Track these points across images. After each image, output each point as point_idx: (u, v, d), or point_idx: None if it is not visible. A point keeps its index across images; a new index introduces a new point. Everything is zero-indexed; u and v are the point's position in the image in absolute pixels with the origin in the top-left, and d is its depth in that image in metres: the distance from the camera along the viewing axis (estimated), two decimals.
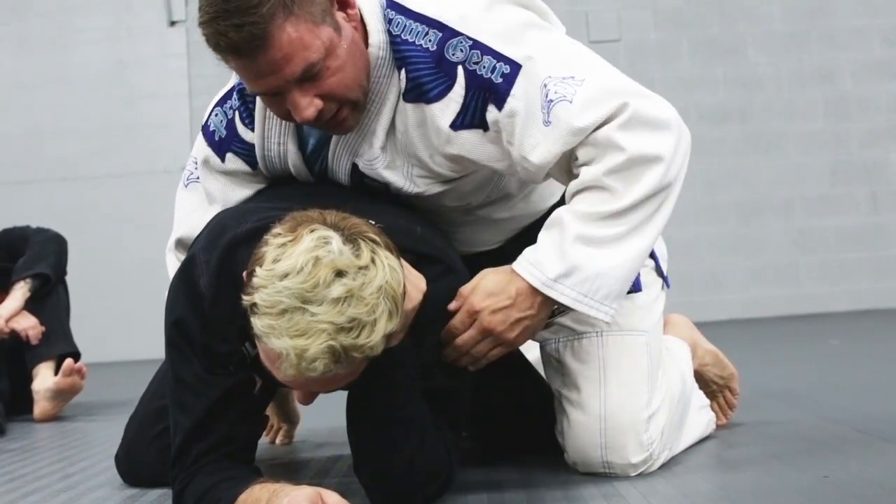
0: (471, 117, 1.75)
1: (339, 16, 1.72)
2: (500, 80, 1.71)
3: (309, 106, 1.69)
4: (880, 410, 2.39)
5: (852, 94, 6.02)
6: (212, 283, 1.63)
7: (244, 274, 1.49)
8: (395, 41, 1.76)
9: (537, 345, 2.00)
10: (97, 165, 5.95)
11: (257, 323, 1.43)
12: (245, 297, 1.45)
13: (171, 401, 1.71)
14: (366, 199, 1.81)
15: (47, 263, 3.57)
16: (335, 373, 1.44)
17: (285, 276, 1.41)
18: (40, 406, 3.39)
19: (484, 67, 1.72)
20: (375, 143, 1.81)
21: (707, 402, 2.21)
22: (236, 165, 1.93)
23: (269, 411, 2.45)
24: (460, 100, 1.74)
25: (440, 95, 1.75)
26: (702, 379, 2.24)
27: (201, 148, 1.97)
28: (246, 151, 1.91)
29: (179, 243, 2.05)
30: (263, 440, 2.48)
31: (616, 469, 1.84)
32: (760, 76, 6.02)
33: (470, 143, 1.77)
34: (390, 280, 1.45)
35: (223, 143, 1.92)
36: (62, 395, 3.40)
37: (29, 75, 6.00)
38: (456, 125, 1.76)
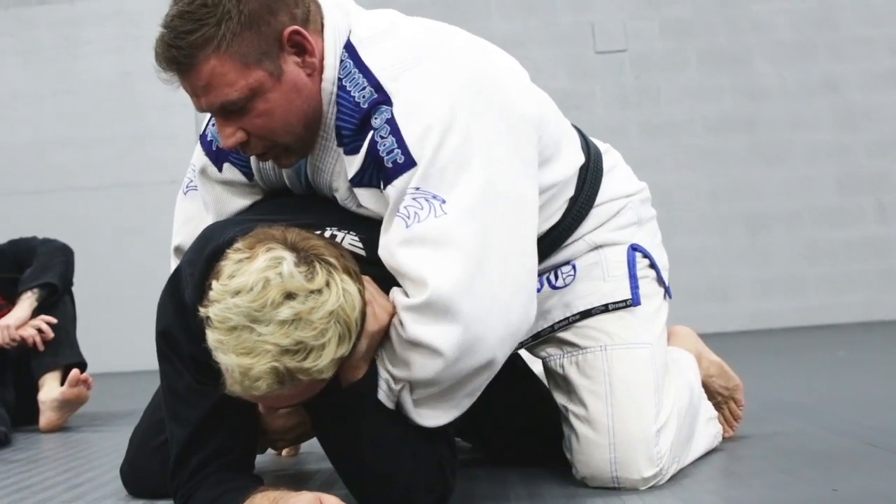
0: (368, 179, 1.70)
1: (292, 61, 1.70)
2: (390, 164, 1.64)
3: (230, 136, 1.71)
4: (889, 422, 2.38)
5: (859, 105, 6.01)
6: (195, 296, 1.63)
7: (205, 285, 1.51)
8: (338, 84, 1.73)
9: (540, 360, 1.99)
10: (103, 176, 5.96)
11: (209, 336, 1.46)
12: (201, 309, 1.48)
13: (166, 413, 1.73)
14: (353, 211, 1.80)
15: (54, 274, 3.57)
16: (280, 393, 1.46)
17: (237, 293, 1.44)
18: (46, 416, 3.39)
19: (384, 145, 1.65)
20: (343, 183, 1.77)
21: (715, 413, 2.20)
22: (233, 175, 1.93)
23: None
24: (361, 161, 1.70)
25: (352, 152, 1.72)
26: (707, 390, 2.23)
27: (199, 157, 1.98)
28: (242, 162, 1.91)
29: (178, 251, 2.06)
30: (269, 451, 2.47)
31: (626, 484, 1.83)
32: (767, 86, 6.01)
33: (372, 198, 1.71)
34: (344, 304, 1.46)
35: (221, 152, 1.92)
36: (68, 405, 3.40)
37: (36, 86, 6.01)
38: (354, 181, 1.72)
